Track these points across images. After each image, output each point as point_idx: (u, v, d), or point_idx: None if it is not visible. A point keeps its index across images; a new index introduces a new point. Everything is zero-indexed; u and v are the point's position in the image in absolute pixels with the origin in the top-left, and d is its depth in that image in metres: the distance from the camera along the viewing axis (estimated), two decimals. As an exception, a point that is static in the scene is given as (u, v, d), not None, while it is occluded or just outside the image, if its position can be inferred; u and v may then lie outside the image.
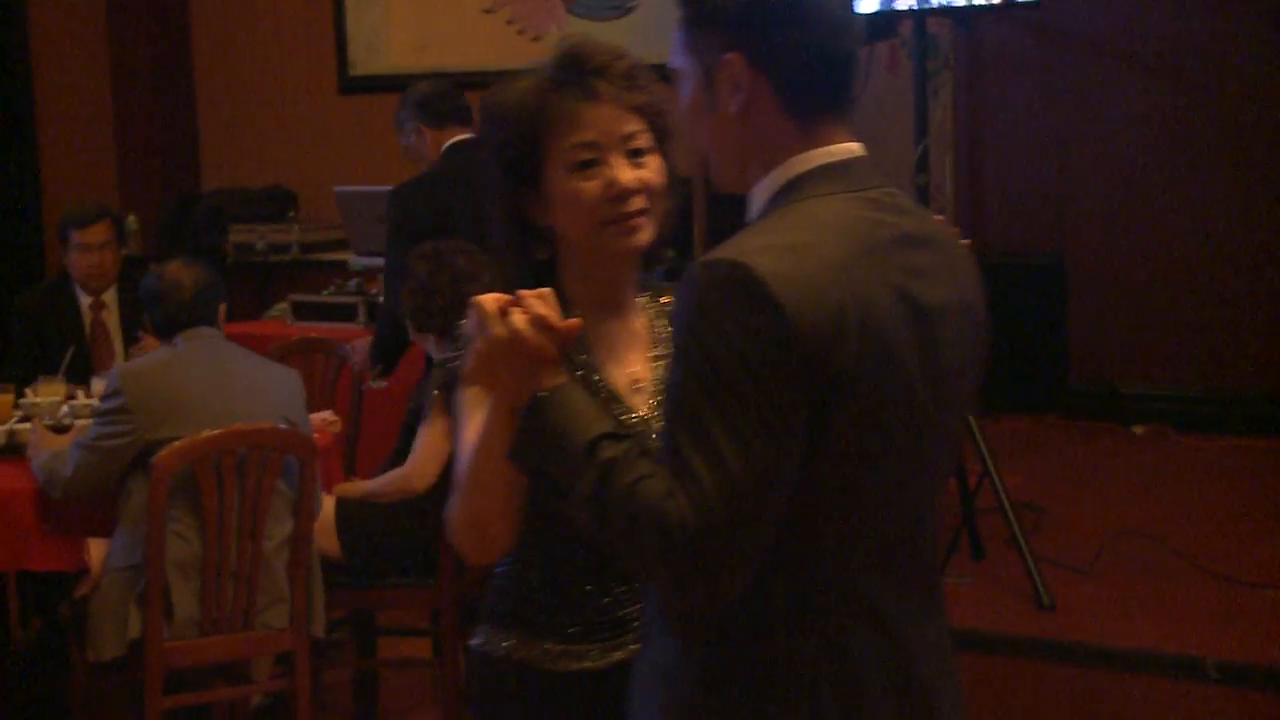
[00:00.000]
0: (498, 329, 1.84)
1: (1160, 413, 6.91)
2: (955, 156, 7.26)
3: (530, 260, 2.21)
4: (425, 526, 4.36)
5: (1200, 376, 7.02)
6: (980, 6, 5.70)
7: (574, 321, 1.86)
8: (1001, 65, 7.41)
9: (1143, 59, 7.12)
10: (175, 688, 4.00)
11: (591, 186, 2.11)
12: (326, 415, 4.82)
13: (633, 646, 2.08)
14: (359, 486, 4.50)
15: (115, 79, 8.90)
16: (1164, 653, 4.16)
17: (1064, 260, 7.14)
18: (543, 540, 2.13)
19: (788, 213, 1.81)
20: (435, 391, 4.33)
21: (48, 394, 4.68)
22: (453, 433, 2.09)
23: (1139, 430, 6.85)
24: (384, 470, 4.50)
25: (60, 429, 4.40)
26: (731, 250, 1.71)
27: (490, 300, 1.86)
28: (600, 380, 2.16)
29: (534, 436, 1.81)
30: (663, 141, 2.17)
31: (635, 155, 2.14)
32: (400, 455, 4.44)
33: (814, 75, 1.84)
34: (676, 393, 1.70)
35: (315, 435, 4.30)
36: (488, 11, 8.33)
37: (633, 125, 2.14)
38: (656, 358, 2.20)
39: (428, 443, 4.33)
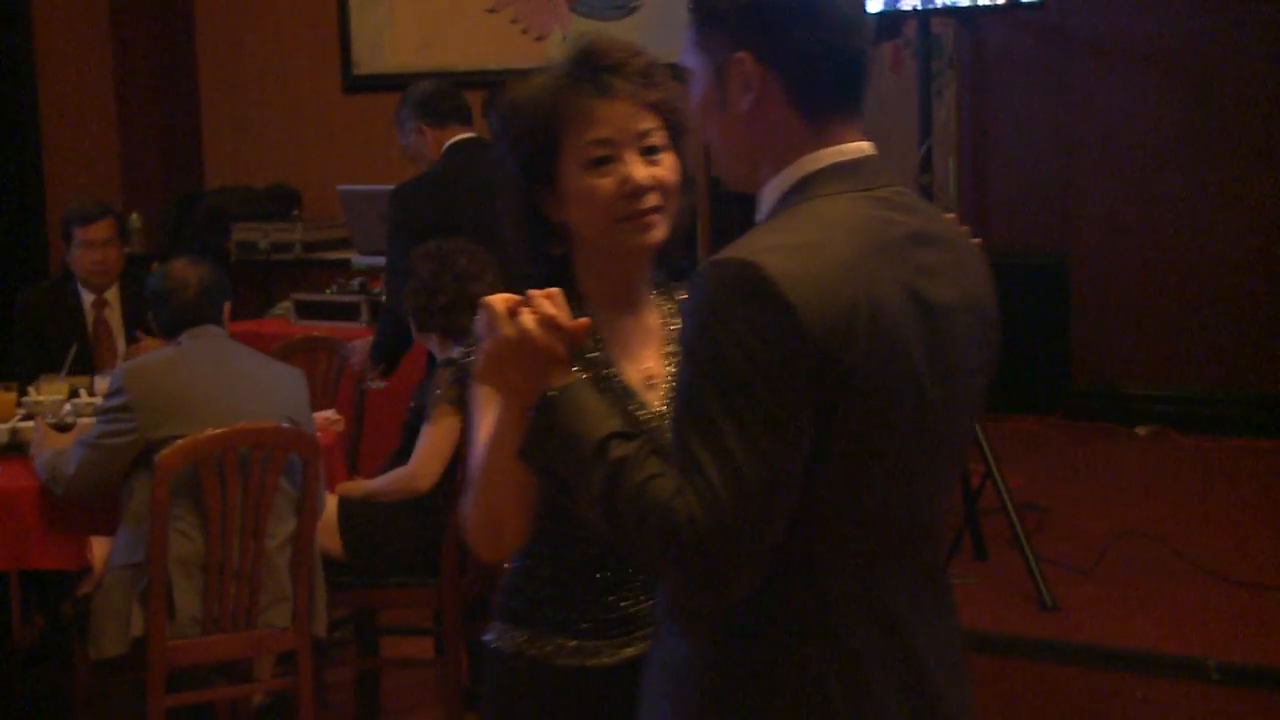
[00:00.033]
0: (506, 329, 1.84)
1: (1163, 414, 6.91)
2: (959, 157, 7.26)
3: (545, 256, 2.22)
4: (428, 526, 4.36)
5: (1203, 377, 7.01)
6: (984, 7, 5.69)
7: (583, 321, 1.87)
8: (1005, 65, 7.40)
9: (1146, 59, 7.11)
10: (178, 686, 4.00)
11: (606, 183, 2.12)
12: (329, 414, 4.82)
13: (644, 643, 2.08)
14: (361, 485, 4.50)
15: (118, 77, 8.91)
16: (1166, 653, 4.16)
17: (1067, 261, 7.14)
18: (555, 537, 2.13)
19: (797, 212, 1.81)
20: (439, 391, 4.33)
21: (51, 392, 4.68)
22: (467, 430, 2.09)
23: (1142, 431, 6.85)
24: (386, 469, 4.50)
25: (63, 427, 4.40)
26: (741, 249, 1.72)
27: (499, 301, 1.87)
28: (615, 375, 2.17)
29: (544, 436, 1.82)
30: (678, 139, 2.18)
31: (650, 152, 2.15)
32: (403, 454, 4.44)
33: (824, 74, 1.84)
34: (686, 392, 1.71)
35: (318, 434, 4.29)
36: (491, 11, 8.34)
37: (648, 122, 2.15)
38: (671, 354, 2.20)
39: (431, 442, 4.33)
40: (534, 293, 1.87)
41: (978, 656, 4.14)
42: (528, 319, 1.84)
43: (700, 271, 1.72)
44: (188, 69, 9.05)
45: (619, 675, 2.14)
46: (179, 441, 3.82)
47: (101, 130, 8.93)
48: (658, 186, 2.13)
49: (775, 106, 1.84)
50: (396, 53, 8.57)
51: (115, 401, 3.97)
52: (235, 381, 4.09)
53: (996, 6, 5.92)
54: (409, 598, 4.48)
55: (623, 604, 2.18)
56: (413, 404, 4.53)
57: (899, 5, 5.54)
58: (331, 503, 4.38)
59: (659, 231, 2.15)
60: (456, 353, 4.43)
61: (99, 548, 4.05)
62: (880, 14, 5.44)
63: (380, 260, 6.06)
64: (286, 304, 7.08)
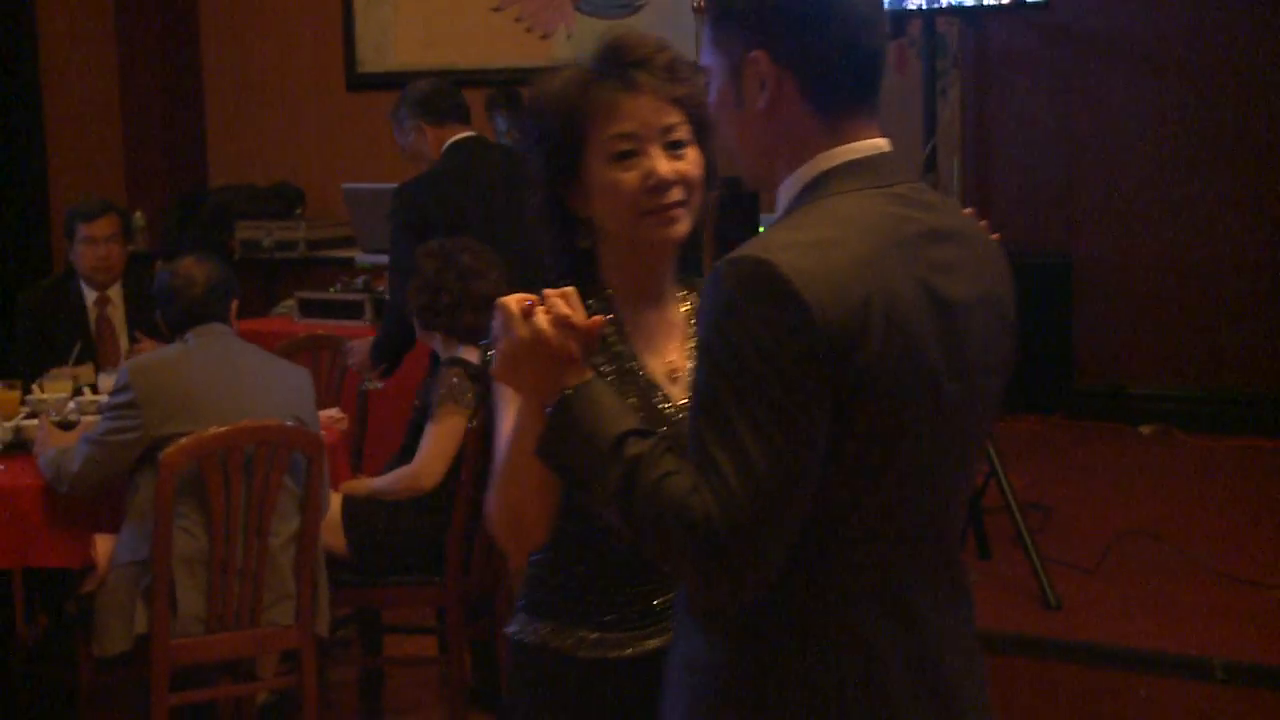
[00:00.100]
0: (521, 330, 1.85)
1: (1167, 413, 6.90)
2: (963, 156, 7.25)
3: (570, 250, 2.23)
4: (431, 524, 4.36)
5: (1207, 377, 7.01)
6: (989, 6, 5.70)
7: (596, 320, 1.88)
8: (1010, 65, 7.40)
9: (1151, 59, 7.11)
10: (181, 684, 4.00)
11: (630, 177, 2.13)
12: (333, 412, 4.82)
13: (666, 635, 2.09)
14: (365, 484, 4.50)
15: (123, 76, 8.92)
16: (1170, 652, 4.16)
17: (1071, 260, 7.13)
18: (577, 530, 2.14)
19: (813, 209, 1.81)
20: (443, 389, 4.33)
21: (54, 390, 4.69)
22: (491, 426, 2.10)
23: (1145, 430, 6.84)
24: (390, 468, 4.50)
25: (67, 425, 4.40)
26: (756, 247, 1.72)
27: (514, 301, 1.87)
28: (638, 368, 2.18)
29: (560, 434, 1.83)
30: (702, 134, 2.18)
31: (674, 147, 2.16)
32: (407, 453, 4.44)
33: (839, 72, 1.84)
34: (702, 389, 1.72)
35: (323, 433, 4.30)
36: (496, 9, 8.34)
37: (672, 117, 2.16)
38: (694, 348, 2.20)
39: (434, 441, 4.33)
40: (549, 292, 1.88)
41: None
42: (541, 319, 1.85)
43: (716, 269, 1.73)
44: (192, 67, 9.06)
45: (641, 667, 2.15)
46: (183, 439, 3.83)
47: (106, 128, 8.94)
48: (681, 181, 2.14)
49: (791, 105, 1.84)
50: (401, 51, 8.57)
51: (121, 398, 3.97)
52: (241, 380, 4.09)
53: (1001, 6, 5.93)
54: (412, 596, 4.48)
55: (645, 596, 2.19)
56: (417, 402, 4.53)
57: (904, 4, 5.54)
58: (335, 501, 4.38)
59: (682, 225, 2.16)
60: (461, 351, 4.44)
61: (103, 545, 4.05)
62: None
63: (384, 258, 6.06)
64: (290, 302, 7.09)
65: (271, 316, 7.24)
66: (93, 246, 5.46)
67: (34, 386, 4.72)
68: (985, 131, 7.47)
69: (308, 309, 6.86)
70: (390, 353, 5.16)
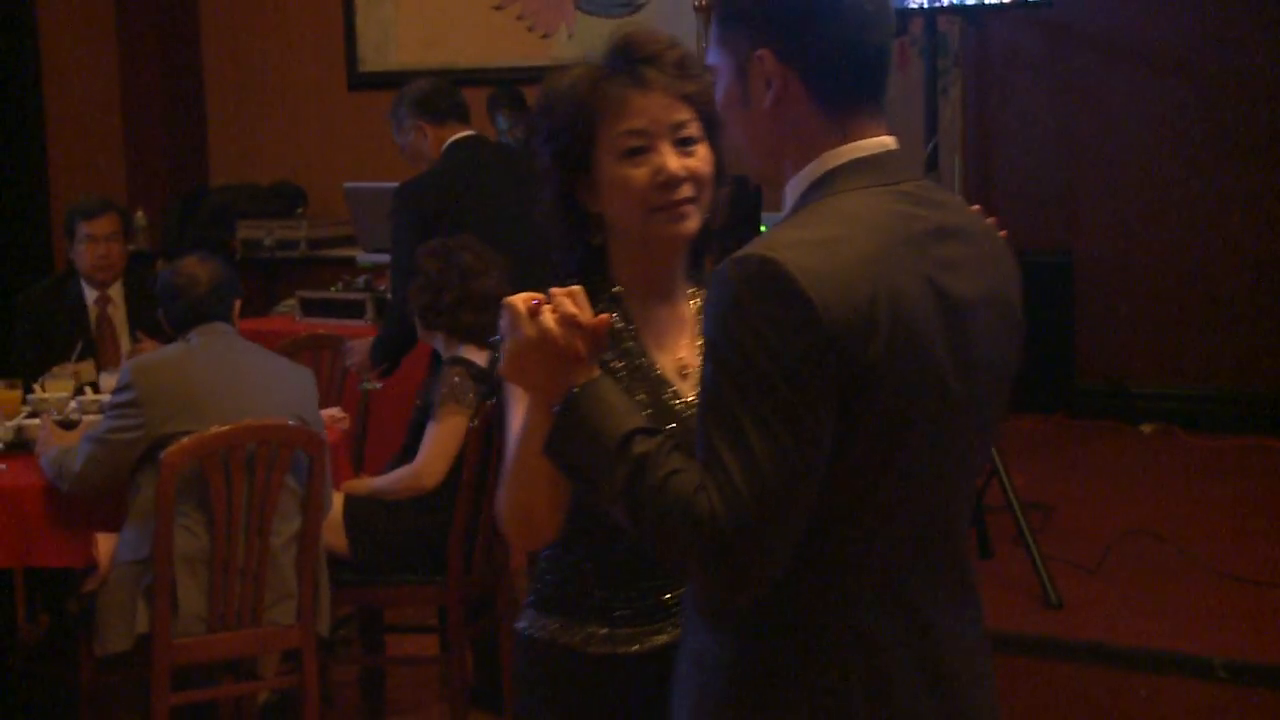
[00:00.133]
0: (527, 329, 1.85)
1: (1168, 412, 6.90)
2: (964, 155, 7.25)
3: (581, 246, 2.24)
4: (433, 524, 4.36)
5: (1208, 376, 7.01)
6: (990, 5, 5.70)
7: (603, 318, 1.88)
8: (1011, 64, 7.40)
9: (1153, 58, 7.11)
10: (182, 684, 4.01)
11: (640, 173, 2.14)
12: (334, 412, 4.82)
13: (675, 631, 2.11)
14: (366, 483, 4.50)
15: (124, 75, 8.92)
16: (1172, 651, 4.16)
17: (1072, 259, 7.13)
18: (587, 526, 2.15)
19: (819, 207, 1.81)
20: (444, 389, 4.33)
21: (56, 389, 4.69)
22: (503, 422, 2.10)
23: (1147, 429, 6.84)
24: (391, 467, 4.50)
25: (68, 424, 4.40)
26: (762, 246, 1.72)
27: (520, 300, 1.88)
28: (648, 364, 2.19)
29: (568, 432, 1.83)
30: (712, 131, 2.19)
31: (684, 144, 2.16)
32: (408, 452, 4.44)
33: (845, 70, 1.84)
34: (708, 388, 1.72)
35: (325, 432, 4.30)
36: (497, 8, 8.34)
37: (682, 114, 2.16)
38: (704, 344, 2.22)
39: (436, 440, 4.33)
40: (556, 291, 1.88)
41: (983, 655, 4.14)
42: (548, 318, 1.85)
43: (721, 268, 1.73)
44: (193, 66, 9.06)
45: (651, 663, 2.16)
46: (185, 439, 3.83)
47: (106, 127, 8.94)
48: (691, 177, 2.15)
49: (797, 103, 1.84)
50: (402, 50, 8.58)
51: (123, 397, 3.97)
52: (244, 379, 4.09)
53: (1002, 5, 5.92)
54: (414, 595, 4.48)
55: (655, 592, 2.20)
56: (418, 402, 4.53)
57: (906, 3, 5.54)
58: (337, 501, 4.38)
59: (691, 222, 2.17)
60: (463, 350, 4.44)
61: (104, 544, 4.05)
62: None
63: (385, 258, 6.06)
64: (291, 301, 7.09)
65: (272, 316, 7.24)
66: (93, 245, 5.46)
67: (35, 386, 4.72)
68: (986, 130, 7.47)
69: (309, 308, 6.86)
70: (391, 352, 5.16)
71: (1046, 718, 4.20)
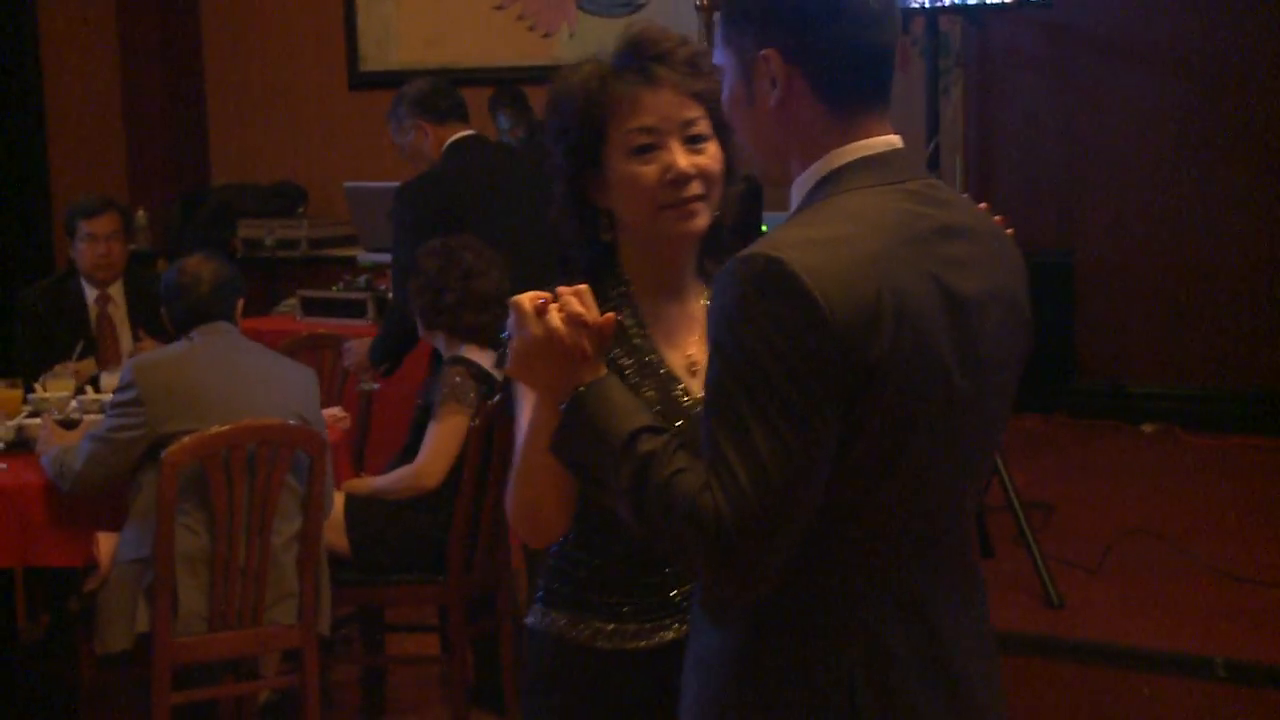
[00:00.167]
0: (534, 328, 1.86)
1: (1168, 411, 6.90)
2: (965, 154, 7.25)
3: (592, 242, 2.24)
4: (433, 523, 4.36)
5: (1208, 375, 7.01)
6: (992, 5, 5.69)
7: (609, 317, 1.89)
8: (1012, 63, 7.40)
9: (1154, 58, 7.11)
10: (183, 683, 4.01)
11: (649, 171, 2.15)
12: (335, 411, 4.82)
13: (683, 627, 2.12)
14: (367, 483, 4.50)
15: (125, 75, 8.92)
16: (1172, 651, 4.16)
17: (1073, 258, 7.13)
18: (596, 522, 2.16)
19: (824, 206, 1.82)
20: (445, 389, 4.33)
21: (57, 389, 4.69)
22: (517, 419, 2.11)
23: (1147, 429, 6.84)
24: (392, 467, 4.50)
25: (69, 424, 4.40)
26: (766, 245, 1.73)
27: (527, 299, 1.89)
28: (658, 361, 2.19)
29: (573, 431, 1.85)
30: (722, 128, 2.19)
31: (694, 141, 2.17)
32: (409, 452, 4.44)
33: (850, 69, 1.84)
34: (713, 387, 1.73)
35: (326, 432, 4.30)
36: (498, 8, 8.34)
37: (692, 111, 2.17)
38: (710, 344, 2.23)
39: (437, 440, 4.33)
40: (562, 289, 1.89)
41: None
42: (554, 317, 1.86)
43: (727, 267, 1.74)
44: (194, 66, 9.06)
45: (659, 658, 2.17)
46: (186, 438, 3.83)
47: (107, 127, 8.94)
48: (701, 175, 2.16)
49: (802, 102, 1.85)
50: (403, 49, 8.58)
51: (125, 396, 3.97)
52: (245, 378, 4.09)
53: (1004, 5, 5.92)
54: (414, 595, 4.48)
55: (663, 588, 2.21)
56: (419, 401, 4.53)
57: (907, 3, 5.54)
58: (338, 500, 4.38)
59: (701, 219, 2.18)
60: (464, 350, 4.44)
61: (105, 544, 4.05)
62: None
63: (386, 257, 6.05)
64: (292, 301, 7.09)
65: (273, 315, 7.24)
66: (93, 244, 5.46)
67: (36, 385, 4.72)
68: (987, 130, 7.47)
69: (310, 308, 6.86)
70: (391, 352, 5.15)
71: (1047, 717, 4.20)
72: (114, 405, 4.03)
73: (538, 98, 7.14)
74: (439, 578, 4.38)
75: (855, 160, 1.85)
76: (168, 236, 8.46)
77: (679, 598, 2.20)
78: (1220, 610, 4.43)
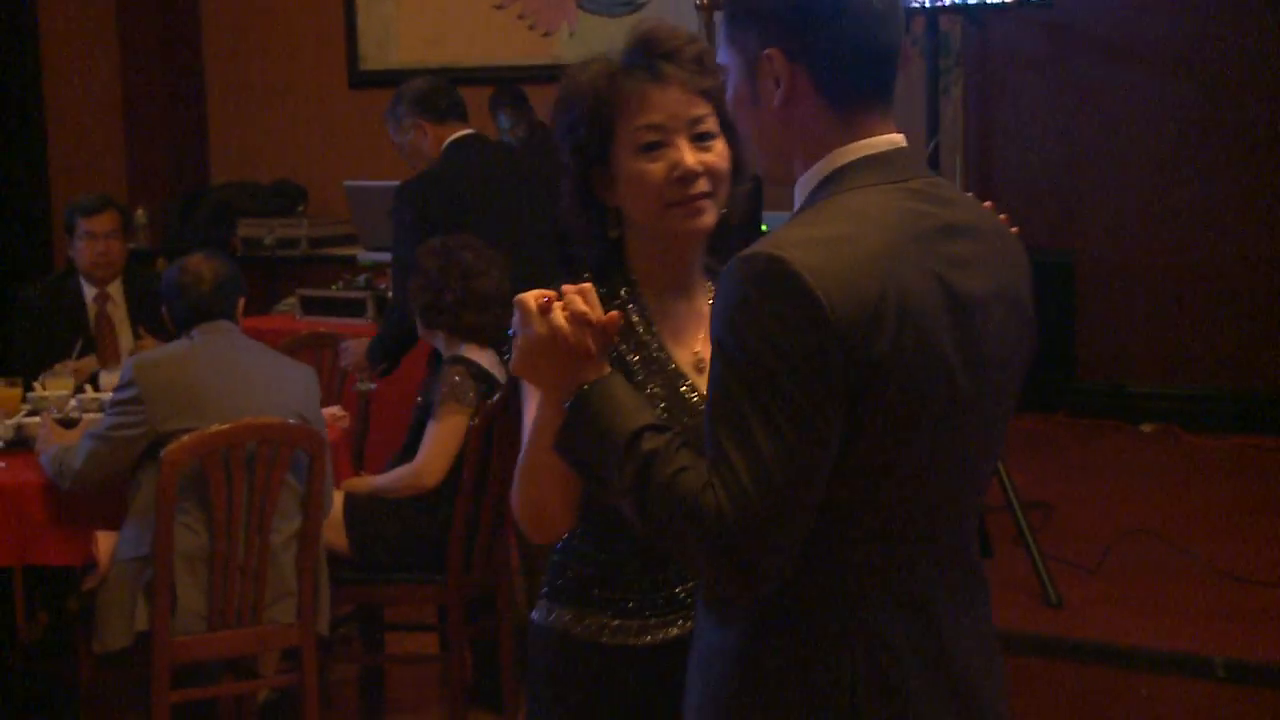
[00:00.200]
0: (538, 326, 1.87)
1: (1168, 411, 6.90)
2: (965, 154, 7.25)
3: (600, 239, 2.25)
4: (433, 522, 4.36)
5: (1208, 375, 7.01)
6: (992, 5, 5.70)
7: (613, 315, 1.89)
8: (1013, 63, 7.40)
9: (1154, 58, 7.11)
10: (182, 682, 4.01)
11: (656, 168, 2.16)
12: (334, 410, 4.82)
13: (687, 624, 2.13)
14: (367, 482, 4.50)
15: (125, 74, 8.92)
16: (1172, 651, 4.15)
17: (1073, 258, 7.13)
18: (602, 519, 2.16)
19: (827, 205, 1.82)
20: (445, 388, 4.33)
21: (56, 388, 4.69)
22: (523, 415, 2.12)
23: (1147, 429, 6.84)
24: (392, 466, 4.50)
25: (68, 423, 4.40)
26: (769, 244, 1.73)
27: (531, 297, 1.89)
28: (665, 358, 2.20)
29: (577, 429, 1.85)
30: (730, 126, 2.20)
31: (701, 139, 2.18)
32: (409, 451, 4.44)
33: (853, 68, 1.85)
34: (716, 386, 1.73)
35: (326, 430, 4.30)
36: (498, 7, 8.34)
37: (700, 109, 2.18)
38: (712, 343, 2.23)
39: (436, 439, 4.33)
40: (566, 288, 1.90)
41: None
42: (558, 315, 1.87)
43: (729, 266, 1.74)
44: (194, 64, 9.06)
45: (663, 654, 2.18)
46: (185, 437, 3.83)
47: (107, 126, 8.94)
48: (707, 172, 2.17)
49: (806, 101, 1.85)
50: (403, 48, 8.58)
51: (125, 394, 3.97)
52: (246, 377, 4.09)
53: (1004, 4, 5.93)
54: (414, 594, 4.48)
55: (668, 584, 2.22)
56: (419, 401, 4.53)
57: (908, 3, 5.54)
58: (338, 499, 4.38)
59: (708, 217, 2.18)
60: (464, 350, 4.44)
61: (104, 542, 4.05)
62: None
63: (385, 256, 6.05)
64: (292, 300, 7.09)
65: (273, 314, 7.24)
66: (92, 242, 5.46)
67: (35, 384, 4.72)
68: (987, 130, 7.47)
69: (309, 307, 6.86)
70: (391, 351, 5.15)
71: (1045, 717, 4.19)
72: (114, 403, 4.03)
73: (538, 97, 7.14)
74: (438, 577, 4.38)
75: (858, 159, 1.85)
76: (167, 235, 8.46)
77: (684, 594, 2.21)
78: (1219, 610, 4.43)
